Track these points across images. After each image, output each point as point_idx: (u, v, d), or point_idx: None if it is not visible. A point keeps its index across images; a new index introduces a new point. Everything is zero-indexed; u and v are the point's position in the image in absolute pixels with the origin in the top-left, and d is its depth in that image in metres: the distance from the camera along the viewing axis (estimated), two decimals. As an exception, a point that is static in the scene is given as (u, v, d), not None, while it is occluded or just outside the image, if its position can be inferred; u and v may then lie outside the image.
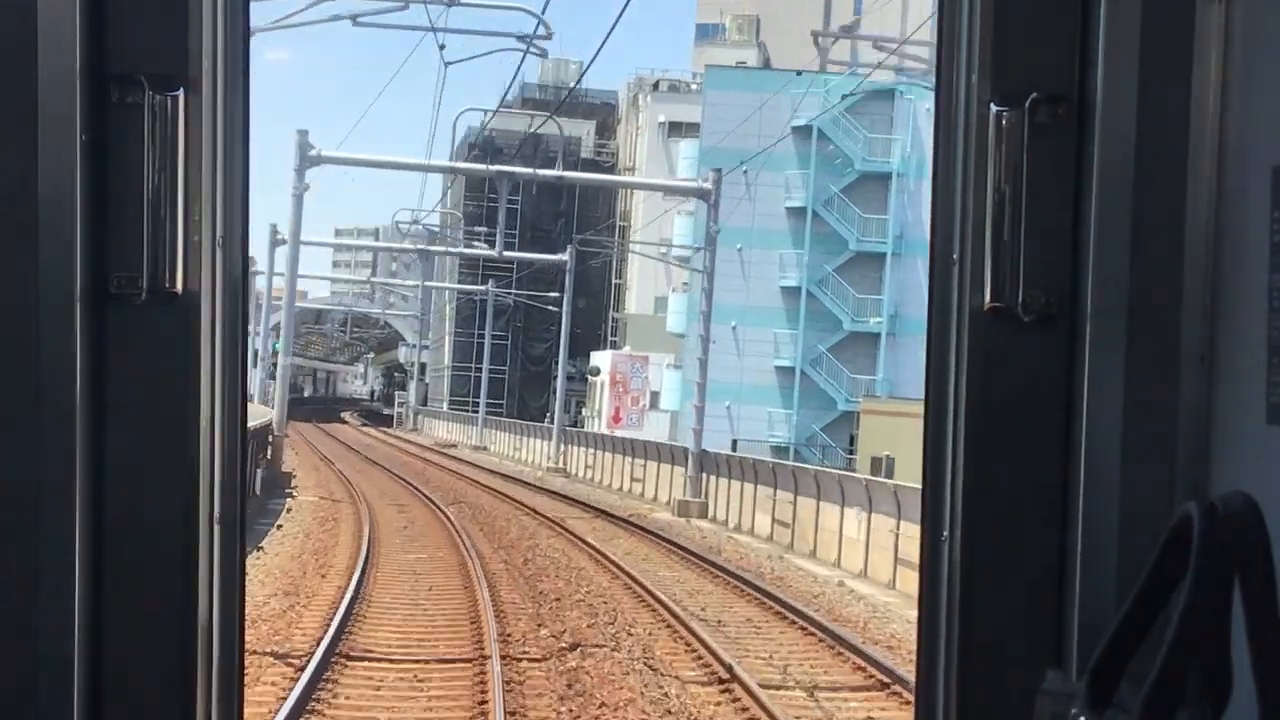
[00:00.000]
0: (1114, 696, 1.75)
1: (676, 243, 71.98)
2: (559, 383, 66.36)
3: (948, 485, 2.42)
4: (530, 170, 47.28)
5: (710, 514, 38.63)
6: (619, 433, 65.38)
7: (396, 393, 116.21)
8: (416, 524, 32.30)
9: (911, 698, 3.46)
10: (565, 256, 62.06)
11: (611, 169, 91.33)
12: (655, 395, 74.19)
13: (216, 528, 2.46)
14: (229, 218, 2.46)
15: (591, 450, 55.86)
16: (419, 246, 65.92)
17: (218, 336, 2.44)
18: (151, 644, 2.41)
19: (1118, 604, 1.80)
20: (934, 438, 2.43)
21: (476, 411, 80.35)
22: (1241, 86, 2.22)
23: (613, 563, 25.77)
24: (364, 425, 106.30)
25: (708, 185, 40.50)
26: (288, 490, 37.56)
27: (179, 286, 2.37)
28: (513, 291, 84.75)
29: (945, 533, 2.43)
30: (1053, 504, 2.38)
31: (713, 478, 39.32)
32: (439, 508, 35.28)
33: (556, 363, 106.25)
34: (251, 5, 2.51)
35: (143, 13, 2.35)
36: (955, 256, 2.40)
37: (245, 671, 2.71)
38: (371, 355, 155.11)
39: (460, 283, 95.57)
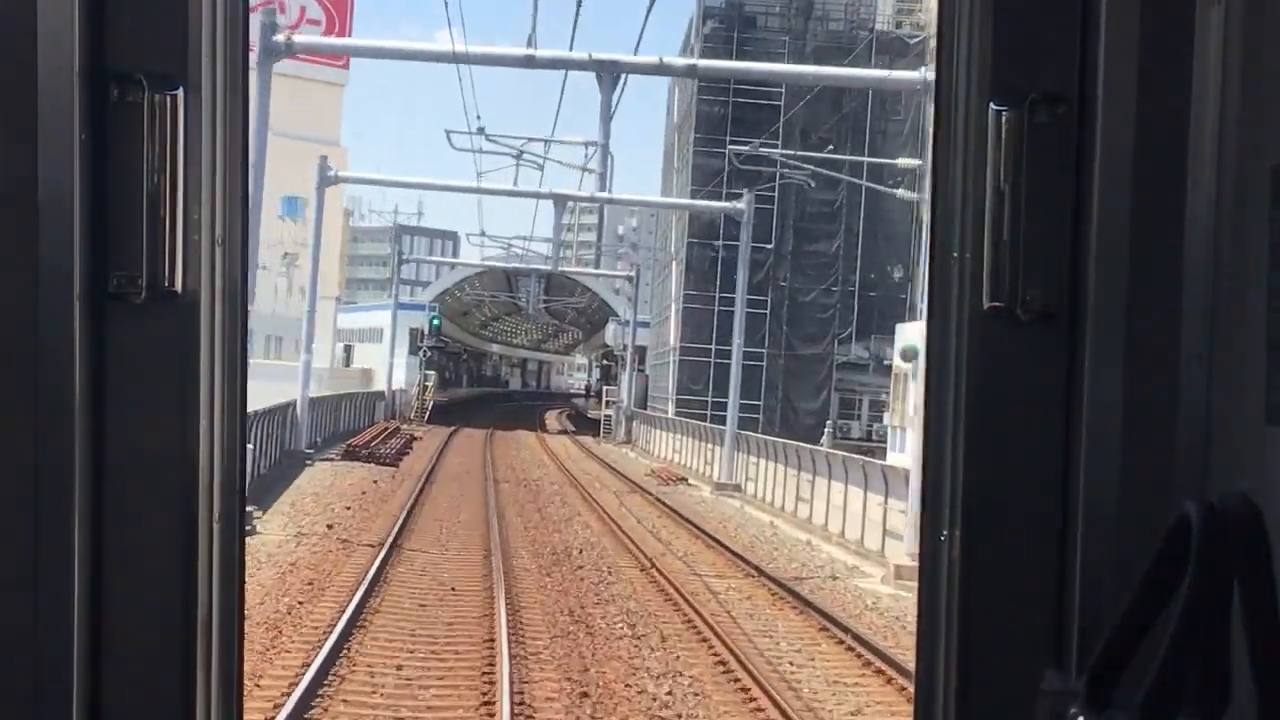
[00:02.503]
0: (1113, 696, 1.86)
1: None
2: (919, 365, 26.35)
3: (948, 485, 2.63)
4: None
5: None
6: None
7: (605, 388, 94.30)
8: None
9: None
10: (916, 73, 37.02)
11: (921, 47, 54.52)
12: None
13: (216, 527, 2.67)
14: (229, 217, 2.68)
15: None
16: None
17: (217, 336, 2.66)
18: (151, 643, 2.61)
19: (1117, 604, 1.98)
20: (934, 437, 2.68)
21: (719, 414, 58.08)
22: (1241, 86, 2.43)
23: None
24: (564, 432, 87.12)
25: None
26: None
27: (178, 286, 2.58)
28: (794, 159, 49.21)
29: (945, 533, 2.63)
30: (1052, 504, 2.57)
31: None
32: None
33: (839, 340, 64.72)
34: (251, 3, 2.88)
35: (142, 11, 2.57)
36: (955, 256, 2.62)
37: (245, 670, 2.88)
38: (581, 339, 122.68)
39: (693, 221, 58.40)
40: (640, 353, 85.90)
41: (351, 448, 51.10)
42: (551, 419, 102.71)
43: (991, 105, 2.53)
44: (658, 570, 26.87)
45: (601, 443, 77.01)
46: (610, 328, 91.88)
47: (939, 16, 2.69)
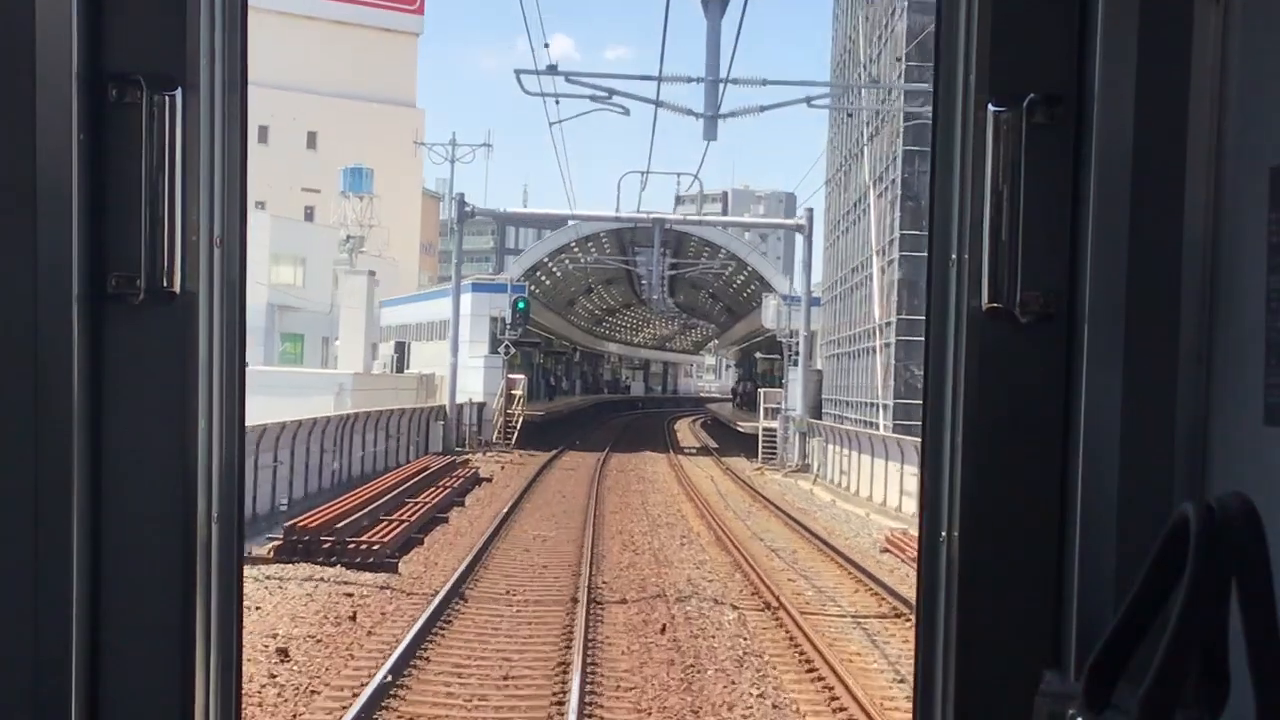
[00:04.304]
0: (1111, 697, 1.87)
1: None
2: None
3: (946, 485, 2.63)
4: None
5: None
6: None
7: (762, 393, 63.19)
8: None
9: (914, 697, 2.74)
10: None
11: None
12: None
13: (215, 527, 2.67)
14: (227, 218, 2.68)
15: None
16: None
17: (216, 337, 2.66)
18: (151, 644, 2.59)
19: (1116, 604, 2.00)
20: (933, 438, 2.67)
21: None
22: (1239, 87, 2.42)
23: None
24: (704, 450, 63.95)
25: None
26: None
27: (177, 287, 2.58)
28: None
29: (944, 533, 2.63)
30: (1051, 504, 2.56)
31: None
32: None
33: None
34: (250, 5, 2.82)
35: (141, 12, 2.56)
36: (953, 257, 2.62)
37: (244, 670, 2.84)
38: (715, 333, 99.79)
39: (907, 133, 28.14)
40: (808, 340, 56.84)
41: (299, 532, 23.73)
42: (684, 431, 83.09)
43: (990, 106, 2.51)
44: None
45: (764, 469, 52.91)
46: (770, 305, 62.07)
47: (937, 17, 2.67)
